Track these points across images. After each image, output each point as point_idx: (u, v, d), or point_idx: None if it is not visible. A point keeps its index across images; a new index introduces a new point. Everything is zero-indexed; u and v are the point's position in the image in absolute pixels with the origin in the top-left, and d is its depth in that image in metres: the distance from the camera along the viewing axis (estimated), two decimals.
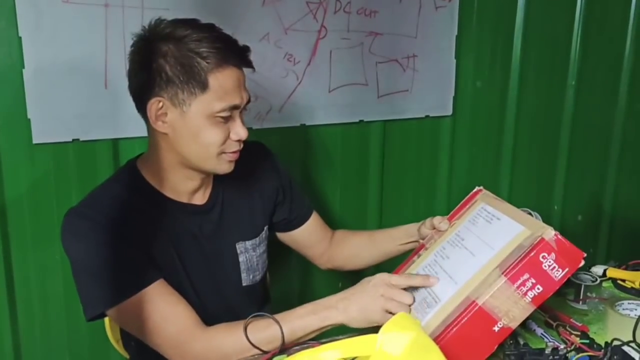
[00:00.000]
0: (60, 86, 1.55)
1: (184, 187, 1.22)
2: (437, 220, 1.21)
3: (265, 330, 1.07)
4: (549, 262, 0.92)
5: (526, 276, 0.92)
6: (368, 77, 1.95)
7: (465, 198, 1.23)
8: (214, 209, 1.27)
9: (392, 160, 2.08)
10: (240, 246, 1.30)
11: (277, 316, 1.09)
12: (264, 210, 1.36)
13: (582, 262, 0.94)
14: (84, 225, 1.12)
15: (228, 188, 1.29)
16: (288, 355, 0.87)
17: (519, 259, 0.93)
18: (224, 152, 1.15)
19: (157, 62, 1.09)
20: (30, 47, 1.51)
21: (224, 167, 1.18)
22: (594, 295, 1.29)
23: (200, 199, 1.26)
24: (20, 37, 1.49)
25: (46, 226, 1.63)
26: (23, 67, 1.51)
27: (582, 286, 1.27)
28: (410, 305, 1.05)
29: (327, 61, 1.88)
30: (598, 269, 1.37)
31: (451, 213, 1.23)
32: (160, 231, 1.19)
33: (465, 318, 0.92)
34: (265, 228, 1.37)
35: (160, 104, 1.11)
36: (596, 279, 1.30)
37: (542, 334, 1.12)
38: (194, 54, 1.08)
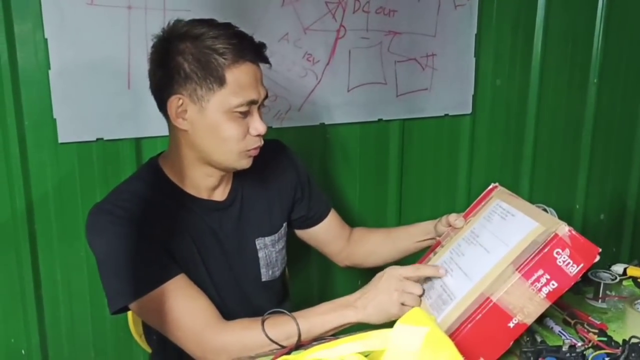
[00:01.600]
0: (85, 86, 1.59)
1: (204, 184, 1.24)
2: (453, 217, 1.22)
3: (283, 327, 1.09)
4: (564, 257, 0.92)
5: (540, 272, 0.93)
6: (387, 76, 1.96)
7: (481, 195, 1.24)
8: (234, 205, 1.29)
9: (412, 159, 2.09)
10: (259, 242, 1.32)
11: (296, 313, 1.11)
12: (282, 207, 1.37)
13: (598, 258, 0.93)
14: (107, 220, 1.14)
15: (247, 185, 1.31)
16: (305, 350, 0.88)
17: (533, 255, 0.93)
18: (244, 150, 1.17)
19: (175, 60, 1.12)
20: (56, 49, 1.55)
21: (243, 162, 1.19)
22: (613, 293, 1.28)
23: (220, 195, 1.28)
24: (46, 39, 1.54)
25: (71, 224, 1.67)
26: (49, 68, 1.55)
27: (602, 284, 1.27)
28: (420, 296, 1.07)
29: (346, 60, 1.89)
30: (618, 268, 1.36)
31: (467, 210, 1.23)
32: (181, 227, 1.21)
33: (480, 315, 0.93)
34: (284, 224, 1.38)
35: (180, 101, 1.13)
36: (616, 277, 1.29)
37: (559, 331, 1.12)
38: (210, 51, 1.11)
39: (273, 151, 1.38)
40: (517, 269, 0.93)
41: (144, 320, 1.32)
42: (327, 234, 1.48)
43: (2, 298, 1.66)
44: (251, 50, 1.14)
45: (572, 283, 0.93)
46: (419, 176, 2.12)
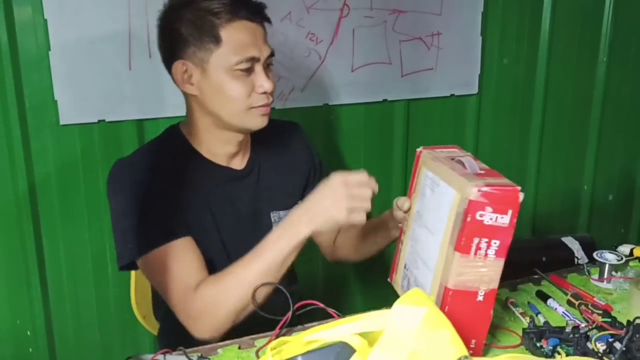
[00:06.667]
0: (86, 68, 1.58)
1: (221, 151, 1.25)
2: (400, 201, 1.14)
3: (248, 266, 1.08)
4: (489, 215, 0.87)
5: (476, 240, 0.87)
6: (391, 56, 1.93)
7: (414, 165, 1.13)
8: (251, 175, 1.30)
9: (417, 140, 2.06)
10: (274, 215, 1.31)
11: (253, 251, 1.09)
12: (296, 185, 1.37)
13: (522, 195, 0.87)
14: (125, 177, 1.18)
15: (264, 158, 1.32)
16: (303, 331, 0.88)
17: (461, 228, 0.88)
18: (252, 107, 1.17)
19: (174, 27, 1.15)
20: (56, 30, 1.54)
21: (257, 121, 1.19)
22: (619, 274, 1.26)
23: (238, 164, 1.28)
24: (45, 20, 1.52)
25: (74, 205, 1.67)
26: (49, 49, 1.54)
27: (607, 265, 1.25)
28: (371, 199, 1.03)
29: (350, 40, 1.87)
30: (625, 248, 1.34)
31: (409, 187, 1.15)
32: (198, 192, 1.22)
33: (447, 306, 0.90)
34: (298, 202, 1.37)
35: (184, 66, 1.16)
36: (622, 258, 1.27)
37: (563, 312, 1.11)
38: (205, 12, 1.13)
39: (291, 131, 1.40)
40: (455, 249, 0.89)
41: (148, 279, 1.27)
42: None
43: (7, 280, 1.66)
44: (246, 8, 1.15)
45: (513, 231, 0.88)
46: None
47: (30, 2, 1.52)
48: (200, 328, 1.10)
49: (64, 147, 1.63)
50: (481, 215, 0.87)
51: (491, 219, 0.87)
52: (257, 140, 1.30)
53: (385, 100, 1.98)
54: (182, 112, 1.66)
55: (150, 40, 1.62)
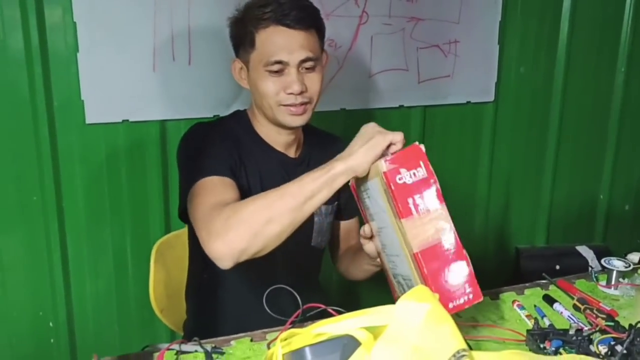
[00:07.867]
0: (112, 69, 1.64)
1: (277, 139, 1.35)
2: (361, 230, 1.18)
3: (276, 191, 1.08)
4: (406, 175, 0.94)
5: (410, 200, 0.93)
6: (409, 63, 1.97)
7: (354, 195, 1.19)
8: (303, 164, 1.38)
9: (433, 146, 2.07)
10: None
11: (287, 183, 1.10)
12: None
13: (422, 146, 0.95)
14: (194, 134, 1.31)
15: (314, 155, 1.40)
16: (308, 326, 0.91)
17: (392, 199, 0.94)
18: (282, 105, 1.26)
19: (232, 29, 1.32)
20: (84, 32, 1.60)
21: (287, 119, 1.28)
22: (626, 281, 1.28)
23: (292, 153, 1.38)
24: (75, 22, 1.58)
25: (98, 203, 1.73)
26: (77, 50, 1.60)
27: (614, 272, 1.26)
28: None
29: (368, 46, 1.90)
30: (634, 256, 1.35)
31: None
32: (254, 164, 1.31)
33: (425, 269, 0.93)
34: (336, 202, 1.44)
35: (239, 64, 1.32)
36: (629, 265, 1.29)
37: (569, 316, 1.13)
38: (250, 18, 1.26)
39: (335, 142, 1.47)
40: (400, 218, 0.94)
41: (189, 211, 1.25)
42: (341, 234, 1.51)
43: (32, 273, 1.72)
44: (284, 16, 1.23)
45: (435, 177, 0.95)
46: (440, 164, 2.05)
47: (61, 5, 1.58)
48: (214, 239, 1.06)
49: (89, 145, 1.68)
50: (400, 179, 0.94)
51: (410, 176, 0.94)
52: (308, 140, 1.42)
53: (402, 106, 2.00)
54: (204, 113, 1.73)
55: (174, 43, 1.68)
